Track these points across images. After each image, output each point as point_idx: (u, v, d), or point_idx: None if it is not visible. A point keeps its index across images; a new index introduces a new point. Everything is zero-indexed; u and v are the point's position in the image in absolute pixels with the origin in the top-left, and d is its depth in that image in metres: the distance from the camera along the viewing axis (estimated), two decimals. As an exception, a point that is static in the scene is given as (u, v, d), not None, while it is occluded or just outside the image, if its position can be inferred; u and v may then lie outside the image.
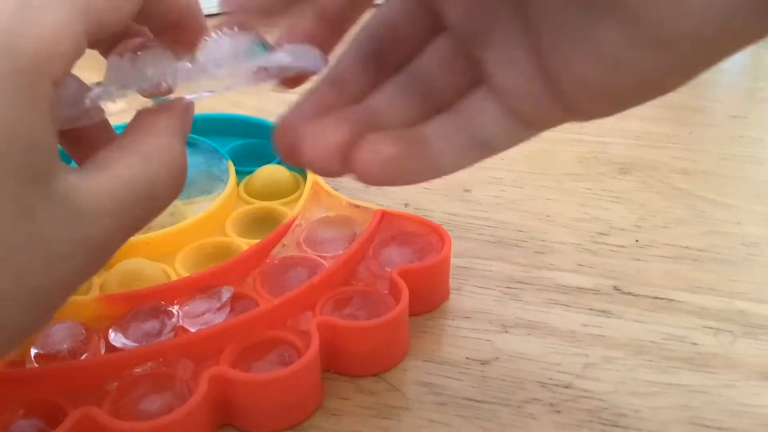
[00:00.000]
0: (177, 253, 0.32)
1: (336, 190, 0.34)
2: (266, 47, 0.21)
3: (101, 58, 0.25)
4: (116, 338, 0.27)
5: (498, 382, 0.27)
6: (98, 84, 0.22)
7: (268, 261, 0.31)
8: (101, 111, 0.22)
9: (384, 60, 0.21)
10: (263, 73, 0.22)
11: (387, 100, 0.20)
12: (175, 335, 0.27)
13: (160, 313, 0.28)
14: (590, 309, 0.31)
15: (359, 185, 0.39)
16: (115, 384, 0.25)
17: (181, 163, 0.21)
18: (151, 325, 0.27)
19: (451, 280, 0.32)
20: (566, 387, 0.27)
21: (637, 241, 0.35)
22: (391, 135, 0.19)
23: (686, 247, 0.34)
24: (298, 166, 0.21)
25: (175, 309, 0.28)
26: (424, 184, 0.39)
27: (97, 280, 0.30)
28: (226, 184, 0.35)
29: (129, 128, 0.21)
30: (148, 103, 0.23)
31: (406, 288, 0.28)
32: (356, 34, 0.21)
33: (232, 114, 0.42)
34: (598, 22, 0.15)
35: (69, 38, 0.18)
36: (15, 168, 0.17)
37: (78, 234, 0.18)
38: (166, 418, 0.23)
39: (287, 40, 0.21)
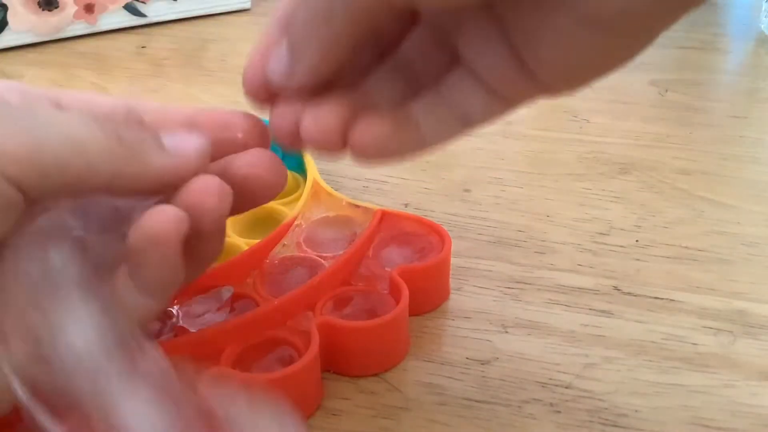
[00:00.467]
0: (177, 253, 0.32)
1: (336, 190, 0.34)
2: None
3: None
4: (116, 338, 0.27)
5: (498, 382, 0.27)
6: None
7: (268, 261, 0.31)
8: None
9: (369, 50, 0.22)
10: None
11: (376, 84, 0.22)
12: (175, 335, 0.27)
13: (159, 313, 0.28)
14: (590, 309, 0.31)
15: (359, 185, 0.39)
16: (115, 384, 0.25)
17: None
18: (150, 325, 0.27)
19: (451, 280, 0.32)
20: (566, 387, 0.27)
21: (637, 241, 0.35)
22: (383, 114, 0.21)
23: (686, 247, 0.34)
24: (293, 146, 0.22)
25: (175, 309, 0.28)
26: (424, 184, 0.39)
27: (97, 280, 0.30)
28: (226, 184, 0.35)
29: None
30: None
31: (406, 288, 0.28)
32: None
33: (232, 114, 0.42)
34: (552, 11, 0.18)
35: None
36: None
37: None
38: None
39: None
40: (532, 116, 0.46)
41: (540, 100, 0.21)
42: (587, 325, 0.30)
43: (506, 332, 0.29)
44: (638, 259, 0.33)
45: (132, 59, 0.54)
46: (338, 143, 0.21)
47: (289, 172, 0.36)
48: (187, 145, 0.21)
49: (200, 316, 0.28)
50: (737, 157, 0.42)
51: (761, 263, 0.33)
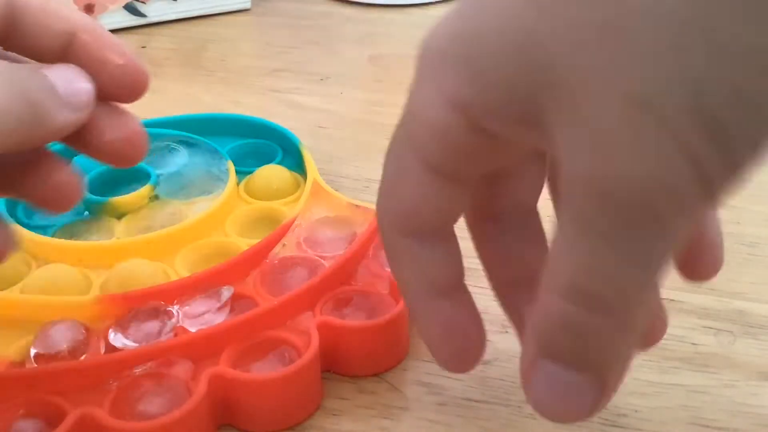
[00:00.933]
0: (177, 253, 0.32)
1: (336, 190, 0.34)
2: None
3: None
4: (116, 338, 0.27)
5: (498, 382, 0.27)
6: None
7: (268, 261, 0.31)
8: None
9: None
10: None
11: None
12: (175, 335, 0.27)
13: (160, 313, 0.28)
14: (590, 309, 0.31)
15: (359, 185, 0.39)
16: (115, 384, 0.25)
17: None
18: (151, 325, 0.27)
19: (451, 280, 0.32)
20: (566, 387, 0.27)
21: (637, 241, 0.35)
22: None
23: (686, 247, 0.34)
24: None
25: (175, 309, 0.28)
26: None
27: (97, 280, 0.30)
28: (226, 184, 0.35)
29: None
30: None
31: (406, 288, 0.28)
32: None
33: (232, 114, 0.42)
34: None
35: None
36: None
37: None
38: (165, 418, 0.23)
39: None
40: (532, 116, 0.45)
41: None
42: (587, 325, 0.30)
43: (506, 332, 0.29)
44: (638, 259, 0.33)
45: (132, 59, 0.54)
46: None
47: (289, 172, 0.36)
48: (80, 93, 0.21)
49: (200, 316, 0.28)
50: (737, 157, 0.42)
51: (761, 263, 0.33)
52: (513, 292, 0.24)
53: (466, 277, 0.29)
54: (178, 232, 0.32)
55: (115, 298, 0.28)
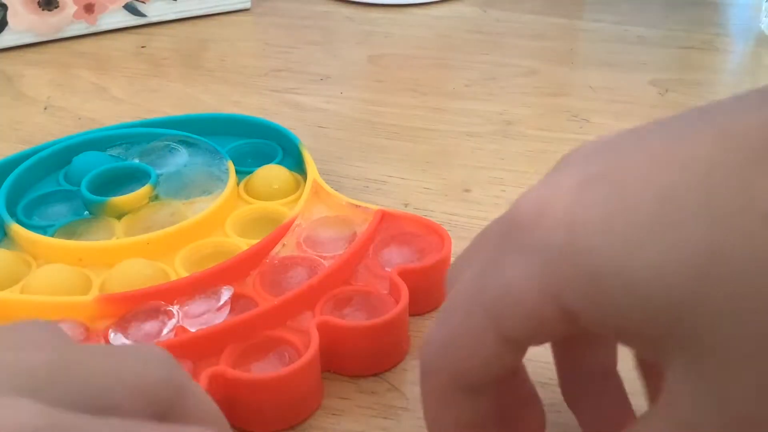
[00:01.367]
0: (177, 253, 0.32)
1: (336, 190, 0.34)
2: None
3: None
4: (116, 338, 0.27)
5: (498, 382, 0.27)
6: None
7: (268, 261, 0.31)
8: None
9: None
10: None
11: None
12: (175, 335, 0.27)
13: (160, 313, 0.28)
14: (590, 309, 0.31)
15: (359, 185, 0.39)
16: (115, 384, 0.25)
17: None
18: (151, 325, 0.27)
19: (451, 280, 0.32)
20: (566, 387, 0.27)
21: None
22: None
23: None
24: None
25: (175, 309, 0.28)
26: (424, 184, 0.39)
27: (97, 280, 0.30)
28: (226, 184, 0.35)
29: None
30: None
31: (406, 288, 0.28)
32: None
33: (232, 114, 0.42)
34: None
35: None
36: None
37: None
38: (166, 418, 0.23)
39: None
40: (532, 116, 0.46)
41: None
42: (587, 325, 0.30)
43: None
44: (638, 259, 0.33)
45: (132, 59, 0.54)
46: None
47: (289, 172, 0.36)
48: None
49: (200, 316, 0.28)
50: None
51: None
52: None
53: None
54: (178, 232, 0.32)
55: (115, 298, 0.28)
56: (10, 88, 0.50)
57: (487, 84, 0.49)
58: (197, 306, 0.28)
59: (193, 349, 0.26)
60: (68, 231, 0.33)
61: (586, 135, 0.44)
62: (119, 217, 0.34)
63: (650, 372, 0.22)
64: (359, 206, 0.33)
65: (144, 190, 0.34)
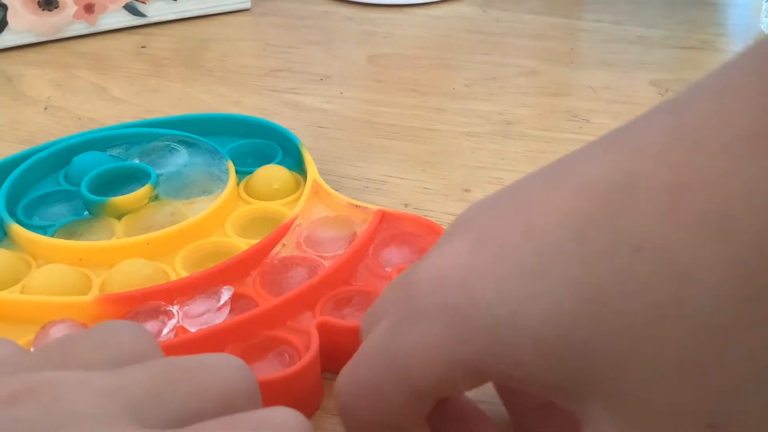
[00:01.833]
0: (177, 253, 0.32)
1: (336, 190, 0.34)
2: None
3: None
4: (116, 338, 0.27)
5: (498, 382, 0.27)
6: None
7: (268, 261, 0.31)
8: None
9: None
10: None
11: None
12: (175, 335, 0.27)
13: (160, 313, 0.28)
14: (590, 309, 0.31)
15: (359, 185, 0.39)
16: (115, 384, 0.25)
17: None
18: (151, 325, 0.27)
19: (451, 280, 0.31)
20: (566, 387, 0.27)
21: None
22: None
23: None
24: None
25: (175, 309, 0.28)
26: (424, 184, 0.39)
27: (97, 280, 0.30)
28: (226, 184, 0.35)
29: None
30: None
31: (406, 288, 0.28)
32: None
33: (232, 114, 0.42)
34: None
35: None
36: None
37: None
38: (166, 418, 0.23)
39: None
40: (532, 116, 0.46)
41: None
42: (587, 325, 0.30)
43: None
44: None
45: (132, 59, 0.54)
46: None
47: (289, 172, 0.36)
48: None
49: (200, 316, 0.28)
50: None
51: None
52: None
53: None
54: (178, 232, 0.32)
55: (115, 298, 0.28)
56: (10, 88, 0.50)
57: (487, 84, 0.49)
58: (197, 306, 0.28)
59: (193, 349, 0.26)
60: (68, 231, 0.33)
61: (586, 135, 0.44)
62: (119, 217, 0.34)
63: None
64: (359, 206, 0.33)
65: (144, 190, 0.34)
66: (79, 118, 0.46)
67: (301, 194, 0.34)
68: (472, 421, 0.22)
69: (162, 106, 0.47)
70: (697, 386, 0.15)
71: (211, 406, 0.16)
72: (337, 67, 0.52)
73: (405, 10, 0.61)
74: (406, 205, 0.38)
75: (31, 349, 0.26)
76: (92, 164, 0.36)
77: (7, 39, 0.54)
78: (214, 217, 0.33)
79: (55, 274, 0.30)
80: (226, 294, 0.28)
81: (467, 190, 0.39)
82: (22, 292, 0.29)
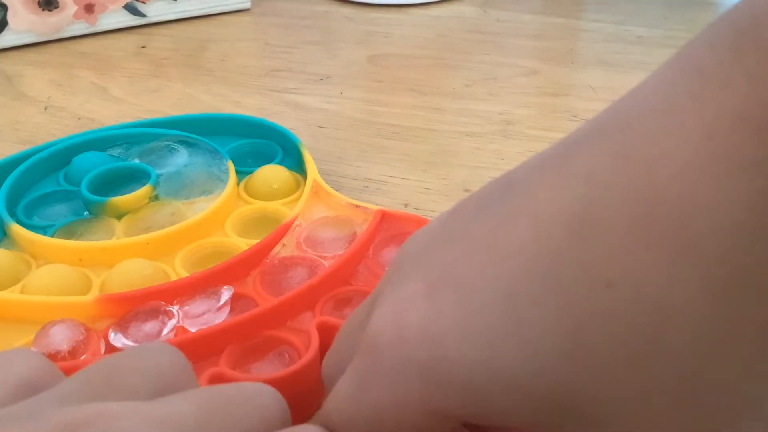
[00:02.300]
0: (177, 253, 0.32)
1: (336, 190, 0.34)
2: None
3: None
4: (116, 338, 0.27)
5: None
6: None
7: (268, 261, 0.31)
8: None
9: None
10: None
11: None
12: (175, 335, 0.27)
13: (160, 313, 0.28)
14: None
15: (359, 185, 0.39)
16: (115, 384, 0.25)
17: None
18: (151, 325, 0.27)
19: (451, 280, 0.32)
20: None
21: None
22: None
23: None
24: None
25: (175, 309, 0.28)
26: (424, 184, 0.39)
27: (97, 280, 0.30)
28: (226, 184, 0.35)
29: None
30: None
31: (406, 288, 0.28)
32: None
33: (232, 114, 0.42)
34: None
35: None
36: None
37: None
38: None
39: None
40: (532, 116, 0.46)
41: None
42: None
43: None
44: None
45: (132, 59, 0.54)
46: None
47: (289, 172, 0.36)
48: None
49: (200, 316, 0.28)
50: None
51: None
52: None
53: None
54: (178, 232, 0.32)
55: (115, 298, 0.28)
56: (10, 88, 0.50)
57: (487, 84, 0.49)
58: (197, 306, 0.28)
59: (193, 350, 0.26)
60: (68, 231, 0.33)
61: (586, 135, 0.44)
62: (119, 217, 0.34)
63: None
64: (359, 206, 0.33)
65: (144, 190, 0.34)
66: (79, 118, 0.46)
67: (301, 194, 0.34)
68: None
69: (162, 106, 0.47)
70: (684, 422, 0.15)
71: None
72: (337, 67, 0.52)
73: (405, 10, 0.61)
74: (406, 205, 0.38)
75: (32, 349, 0.26)
76: (92, 164, 0.36)
77: (7, 39, 0.54)
78: (214, 217, 0.33)
79: (55, 274, 0.30)
80: (226, 294, 0.28)
81: (467, 190, 0.39)
82: (22, 292, 0.29)
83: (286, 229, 0.32)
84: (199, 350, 0.26)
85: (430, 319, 0.17)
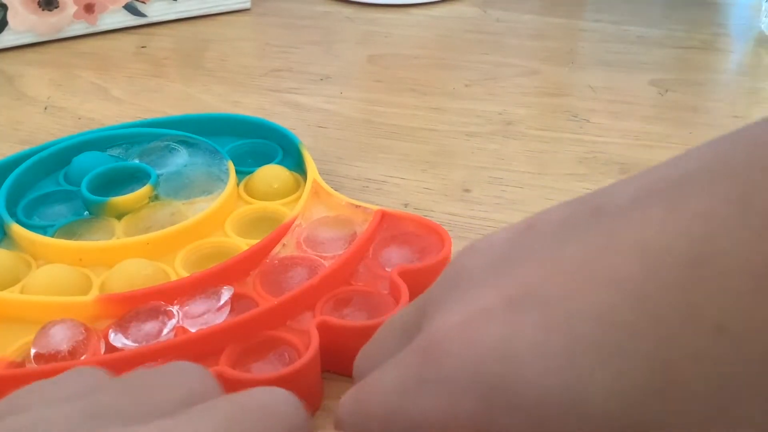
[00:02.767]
0: (177, 253, 0.32)
1: (336, 190, 0.34)
2: None
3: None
4: (116, 338, 0.27)
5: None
6: None
7: (268, 261, 0.31)
8: None
9: None
10: None
11: None
12: (175, 335, 0.27)
13: (160, 313, 0.28)
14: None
15: (359, 185, 0.39)
16: (115, 384, 0.25)
17: None
18: (151, 325, 0.27)
19: (451, 280, 0.32)
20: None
21: (637, 241, 0.35)
22: None
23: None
24: None
25: (175, 309, 0.28)
26: (424, 184, 0.39)
27: (97, 280, 0.30)
28: (226, 184, 0.35)
29: None
30: None
31: (406, 288, 0.28)
32: None
33: (232, 114, 0.42)
34: None
35: None
36: None
37: None
38: (166, 418, 0.23)
39: None
40: (532, 116, 0.46)
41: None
42: (587, 325, 0.30)
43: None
44: (638, 259, 0.33)
45: (132, 59, 0.54)
46: None
47: (289, 172, 0.36)
48: None
49: (200, 316, 0.28)
50: (737, 157, 0.42)
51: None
52: None
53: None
54: (178, 232, 0.32)
55: (115, 298, 0.28)
56: (10, 88, 0.50)
57: (487, 84, 0.49)
58: (197, 306, 0.28)
59: (193, 349, 0.26)
60: (68, 231, 0.33)
61: (586, 135, 0.44)
62: (119, 217, 0.34)
63: None
64: (359, 206, 0.33)
65: (144, 190, 0.34)
66: (79, 118, 0.46)
67: (301, 194, 0.34)
68: None
69: (162, 106, 0.47)
70: None
71: None
72: (337, 67, 0.52)
73: (405, 10, 0.61)
74: (406, 205, 0.38)
75: (32, 349, 0.26)
76: (92, 164, 0.36)
77: (7, 39, 0.54)
78: (214, 217, 0.33)
79: (55, 274, 0.30)
80: (226, 294, 0.28)
81: (467, 190, 0.39)
82: (22, 292, 0.29)
83: (286, 229, 0.32)
84: (199, 350, 0.26)
85: (508, 335, 0.16)
